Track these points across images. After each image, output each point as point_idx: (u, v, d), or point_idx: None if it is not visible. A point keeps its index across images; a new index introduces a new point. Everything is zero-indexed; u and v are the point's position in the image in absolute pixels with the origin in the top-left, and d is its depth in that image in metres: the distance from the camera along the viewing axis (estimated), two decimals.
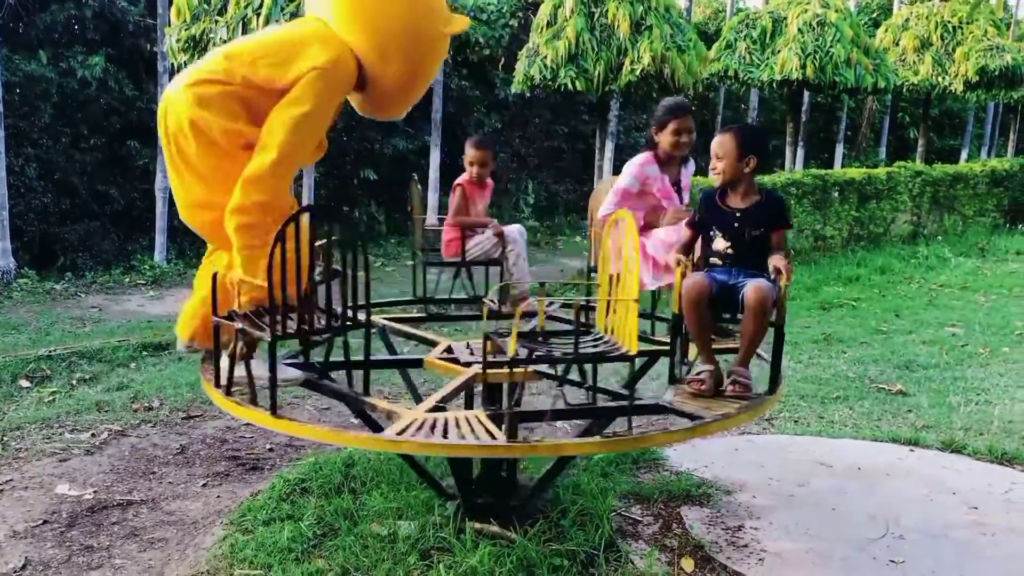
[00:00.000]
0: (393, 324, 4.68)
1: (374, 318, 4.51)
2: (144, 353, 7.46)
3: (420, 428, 3.18)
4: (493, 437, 3.11)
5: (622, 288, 3.48)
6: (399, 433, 3.13)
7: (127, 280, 10.77)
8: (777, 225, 3.82)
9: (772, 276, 3.67)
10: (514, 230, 5.07)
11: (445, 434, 3.13)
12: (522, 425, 3.22)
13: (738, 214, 3.83)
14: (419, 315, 5.05)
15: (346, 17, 3.71)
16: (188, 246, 12.10)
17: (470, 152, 5.13)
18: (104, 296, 10.00)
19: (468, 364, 3.90)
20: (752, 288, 3.54)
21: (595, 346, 3.45)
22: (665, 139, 4.50)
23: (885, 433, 5.68)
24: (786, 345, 7.66)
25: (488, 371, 3.48)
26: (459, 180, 5.21)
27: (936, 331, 8.70)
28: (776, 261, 3.66)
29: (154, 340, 7.74)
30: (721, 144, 3.84)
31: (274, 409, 3.29)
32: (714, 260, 3.87)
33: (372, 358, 3.87)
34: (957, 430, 5.75)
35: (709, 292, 3.64)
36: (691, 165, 4.76)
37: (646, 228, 4.48)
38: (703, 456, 5.15)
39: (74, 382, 6.65)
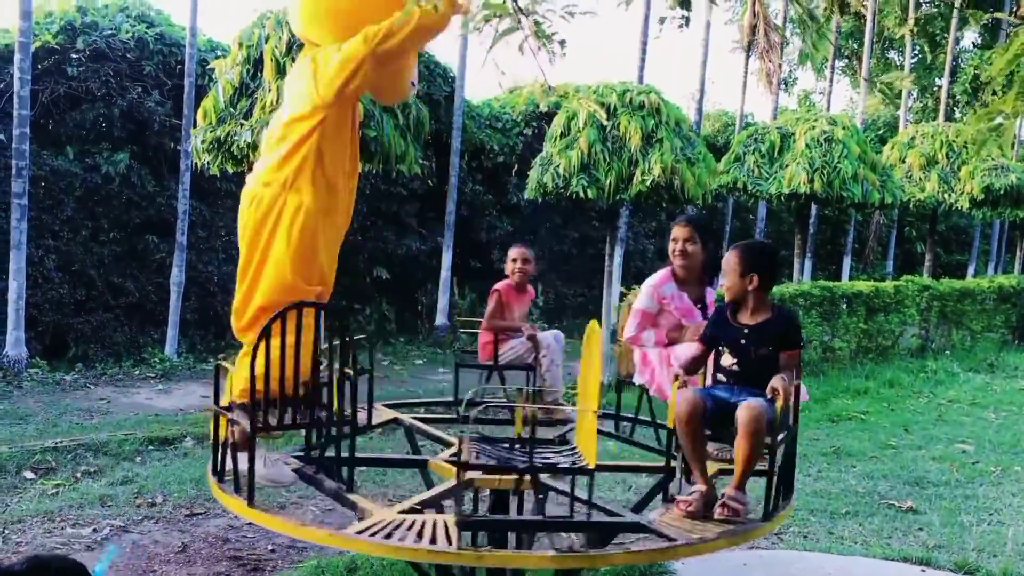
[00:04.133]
0: (418, 423, 4.69)
1: (401, 416, 4.57)
2: (150, 447, 7.45)
3: (382, 529, 3.17)
4: (450, 543, 3.08)
5: (580, 398, 3.49)
6: (359, 532, 3.14)
7: (137, 372, 10.81)
8: (786, 344, 3.79)
9: (769, 396, 3.60)
10: (549, 336, 5.09)
11: (403, 538, 3.10)
12: (539, 534, 3.21)
13: (746, 331, 3.83)
14: (448, 415, 5.09)
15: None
16: (199, 340, 12.18)
17: (512, 251, 5.26)
18: (113, 388, 10.02)
19: (469, 468, 3.88)
20: (744, 407, 3.48)
21: (560, 457, 3.42)
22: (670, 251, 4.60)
23: (896, 551, 5.59)
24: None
25: (476, 477, 3.44)
26: (496, 286, 5.31)
27: (946, 447, 8.62)
28: (775, 381, 3.58)
29: (161, 434, 7.73)
30: (726, 261, 3.92)
31: (251, 499, 3.33)
32: (720, 377, 3.88)
33: (378, 456, 3.90)
34: (970, 551, 5.65)
35: (703, 409, 3.57)
36: (718, 282, 4.67)
37: (669, 345, 4.52)
38: (711, 570, 5.07)
39: (78, 475, 6.62)
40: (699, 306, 4.54)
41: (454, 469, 3.90)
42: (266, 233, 3.88)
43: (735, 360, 3.82)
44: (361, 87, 3.97)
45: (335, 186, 4.03)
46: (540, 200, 13.15)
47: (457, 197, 14.44)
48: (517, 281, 5.24)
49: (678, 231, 4.66)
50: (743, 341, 3.82)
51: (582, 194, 11.47)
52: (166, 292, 11.67)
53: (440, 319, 14.43)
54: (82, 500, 6.01)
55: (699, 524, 3.46)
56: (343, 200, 4.13)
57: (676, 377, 3.74)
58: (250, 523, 5.24)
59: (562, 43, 2.91)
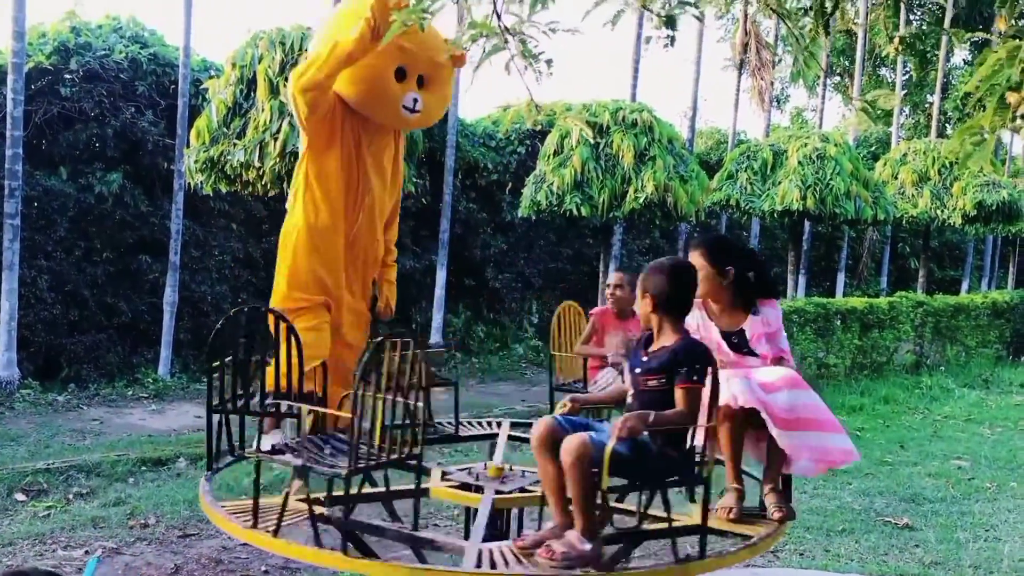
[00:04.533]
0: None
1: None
2: (143, 468, 7.41)
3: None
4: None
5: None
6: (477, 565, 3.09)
7: (130, 393, 10.76)
8: (679, 377, 3.26)
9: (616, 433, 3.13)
10: None
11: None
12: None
13: (643, 359, 3.41)
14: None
15: None
16: (192, 360, 12.13)
17: (610, 276, 5.21)
18: (106, 409, 9.98)
19: (479, 489, 3.88)
20: (565, 441, 3.08)
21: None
22: None
23: (892, 568, 5.57)
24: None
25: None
26: (593, 310, 5.25)
27: (942, 463, 8.61)
28: (621, 419, 3.16)
29: (154, 455, 7.70)
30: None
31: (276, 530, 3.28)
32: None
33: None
34: (967, 567, 5.64)
35: (550, 433, 3.19)
36: (764, 311, 3.90)
37: None
38: None
39: (70, 496, 6.58)
40: (734, 339, 3.87)
41: (458, 493, 3.91)
42: (280, 252, 4.53)
43: (632, 392, 3.44)
44: (321, 116, 4.34)
45: (336, 207, 4.44)
46: (534, 217, 13.20)
47: (451, 215, 14.46)
48: (613, 307, 5.04)
49: (612, 276, 4.74)
50: (637, 370, 3.41)
51: (576, 211, 11.50)
52: (159, 312, 11.64)
53: (435, 337, 14.41)
54: (74, 522, 5.97)
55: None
56: (356, 218, 4.54)
57: (563, 404, 3.42)
58: (244, 544, 5.21)
59: (549, 62, 2.92)
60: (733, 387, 3.52)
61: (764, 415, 3.50)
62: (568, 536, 3.07)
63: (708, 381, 3.30)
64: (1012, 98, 2.47)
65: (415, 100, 4.47)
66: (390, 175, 4.71)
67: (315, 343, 4.26)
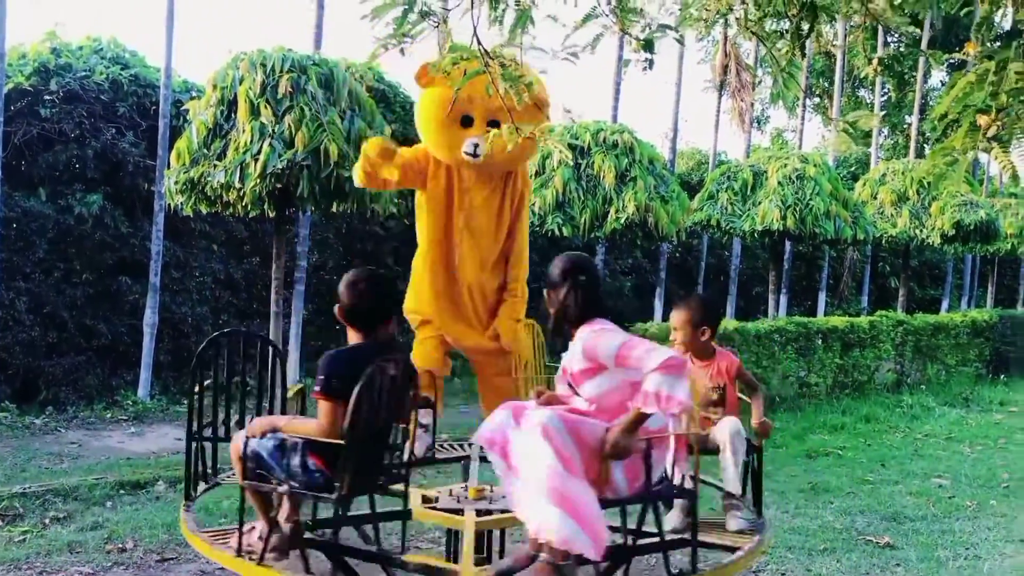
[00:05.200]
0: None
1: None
2: (121, 492, 7.33)
3: None
4: None
5: None
6: None
7: (109, 415, 10.66)
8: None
9: None
10: (724, 427, 4.03)
11: None
12: None
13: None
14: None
15: None
16: (172, 382, 12.05)
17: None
18: (85, 431, 9.88)
19: (460, 511, 3.86)
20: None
21: None
22: None
23: None
24: (772, 494, 7.61)
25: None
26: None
27: (923, 482, 8.64)
28: None
29: (132, 478, 7.61)
30: None
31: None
32: None
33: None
34: None
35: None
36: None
37: None
38: None
39: (47, 521, 6.50)
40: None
41: (442, 515, 3.90)
42: None
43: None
44: (400, 183, 5.05)
45: (438, 241, 5.03)
46: None
47: None
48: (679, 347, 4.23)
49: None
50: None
51: (557, 232, 11.54)
52: (139, 334, 11.56)
53: None
54: (50, 547, 5.89)
55: None
56: (452, 253, 5.03)
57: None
58: (222, 568, 5.16)
59: (528, 85, 2.94)
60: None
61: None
62: None
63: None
64: (983, 120, 2.50)
65: (475, 145, 4.74)
66: (499, 214, 5.03)
67: (418, 355, 4.85)
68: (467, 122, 4.82)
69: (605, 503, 3.22)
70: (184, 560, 5.74)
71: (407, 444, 3.64)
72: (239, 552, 3.47)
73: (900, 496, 8.04)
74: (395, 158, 4.87)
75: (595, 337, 3.39)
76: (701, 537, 3.65)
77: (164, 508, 6.84)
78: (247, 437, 3.47)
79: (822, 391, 13.09)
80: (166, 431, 9.99)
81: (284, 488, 3.37)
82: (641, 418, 3.22)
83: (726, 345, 10.70)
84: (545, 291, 3.71)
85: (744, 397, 4.34)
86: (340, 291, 3.59)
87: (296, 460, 3.37)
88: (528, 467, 3.18)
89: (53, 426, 10.01)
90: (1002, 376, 16.70)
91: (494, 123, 4.71)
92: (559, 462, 3.11)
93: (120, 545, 5.99)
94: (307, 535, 3.52)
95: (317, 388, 3.35)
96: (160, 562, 5.74)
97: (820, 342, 13.15)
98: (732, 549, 3.64)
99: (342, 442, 3.26)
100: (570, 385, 3.49)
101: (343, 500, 3.38)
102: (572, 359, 3.48)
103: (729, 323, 12.23)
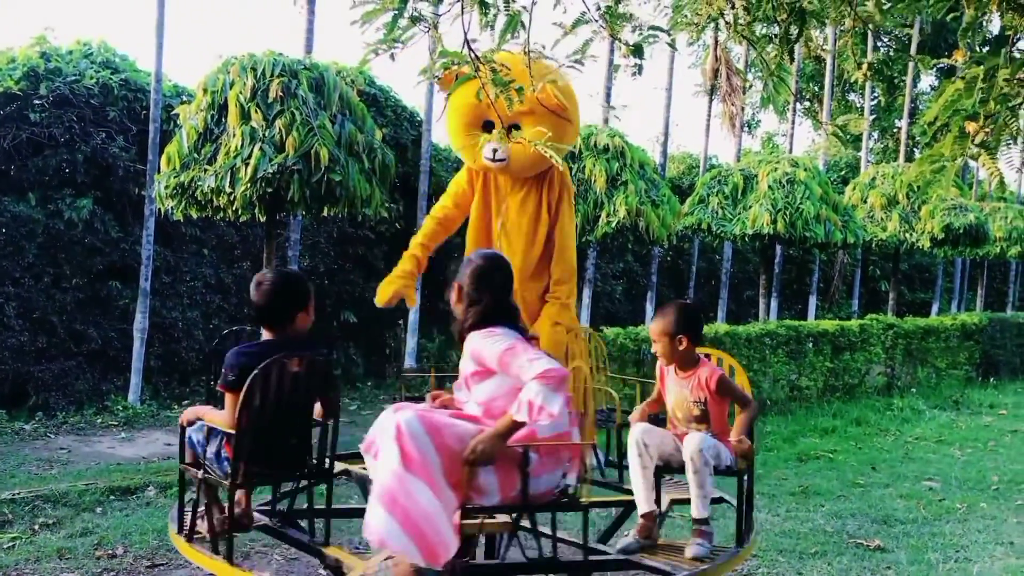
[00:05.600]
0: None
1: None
2: (111, 497, 7.29)
3: None
4: None
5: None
6: None
7: (99, 421, 10.62)
8: None
9: None
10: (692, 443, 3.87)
11: None
12: None
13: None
14: None
15: None
16: (163, 387, 12.01)
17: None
18: (75, 437, 9.84)
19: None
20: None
21: None
22: None
23: None
24: (763, 498, 7.63)
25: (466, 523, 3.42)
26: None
27: (913, 485, 8.67)
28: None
29: (122, 484, 7.58)
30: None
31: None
32: None
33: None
34: None
35: None
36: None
37: None
38: None
39: (36, 527, 6.47)
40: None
41: None
42: None
43: None
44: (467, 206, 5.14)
45: (475, 240, 5.08)
46: None
47: None
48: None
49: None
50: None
51: None
52: (129, 339, 11.52)
53: (408, 362, 14.36)
54: (39, 553, 5.86)
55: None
56: (503, 232, 5.04)
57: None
58: (211, 574, 5.14)
59: (519, 90, 2.94)
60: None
61: None
62: None
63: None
64: (971, 127, 2.52)
65: (494, 150, 4.79)
66: (535, 217, 4.98)
67: None
68: (489, 127, 4.87)
69: (472, 509, 3.20)
70: (175, 566, 5.72)
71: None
72: (189, 537, 3.68)
73: (891, 499, 8.06)
74: (441, 211, 5.12)
75: (483, 340, 3.37)
76: (648, 560, 3.58)
77: (154, 514, 6.82)
78: (181, 424, 3.73)
79: (813, 394, 13.12)
80: (156, 436, 9.96)
81: (200, 473, 3.58)
82: (513, 426, 3.19)
83: (718, 349, 10.73)
84: (452, 287, 3.61)
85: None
86: (250, 291, 3.73)
87: (213, 448, 3.58)
88: (376, 468, 3.23)
89: (43, 432, 9.97)
90: (991, 379, 16.77)
91: (515, 126, 4.73)
92: (402, 465, 3.10)
93: (110, 551, 5.97)
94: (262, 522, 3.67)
95: (220, 381, 3.53)
96: (150, 568, 5.72)
97: (811, 345, 13.19)
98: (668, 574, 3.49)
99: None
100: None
101: (234, 488, 3.49)
102: (465, 362, 3.48)
103: (720, 327, 12.26)
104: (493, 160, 4.82)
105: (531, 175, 5.00)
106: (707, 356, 4.22)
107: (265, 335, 3.77)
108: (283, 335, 3.72)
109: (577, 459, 3.41)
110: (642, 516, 3.81)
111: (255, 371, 3.37)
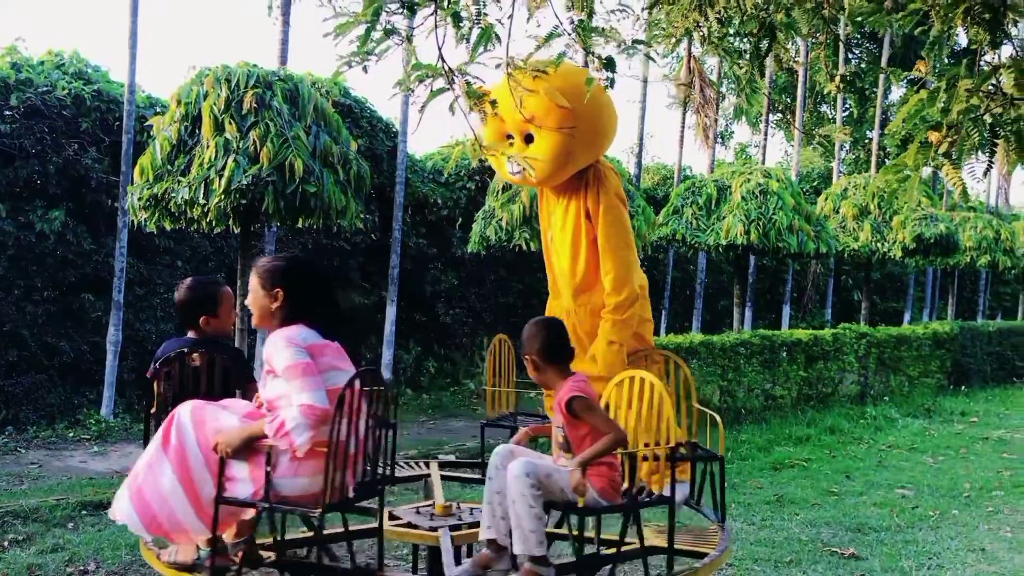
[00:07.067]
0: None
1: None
2: (83, 512, 7.21)
3: None
4: None
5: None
6: None
7: (71, 435, 10.50)
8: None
9: None
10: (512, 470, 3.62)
11: None
12: None
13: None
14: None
15: None
16: (136, 400, 11.90)
17: None
18: (46, 451, 9.72)
19: (433, 529, 3.87)
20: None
21: None
22: None
23: None
24: (739, 507, 7.66)
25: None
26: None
27: (887, 493, 8.74)
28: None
29: (95, 498, 7.50)
30: None
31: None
32: None
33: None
34: None
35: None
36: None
37: None
38: None
39: (6, 544, 6.38)
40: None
41: (414, 532, 3.90)
42: None
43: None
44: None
45: (548, 267, 5.13)
46: (484, 253, 13.22)
47: (401, 251, 14.44)
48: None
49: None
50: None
51: (525, 247, 11.57)
52: (102, 352, 11.41)
53: (385, 374, 14.32)
54: (8, 570, 5.79)
55: None
56: (552, 247, 5.06)
57: None
58: None
59: (493, 103, 2.96)
60: None
61: None
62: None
63: None
64: (934, 137, 2.56)
65: (512, 164, 4.76)
66: (576, 226, 4.79)
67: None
68: (511, 141, 4.80)
69: (226, 500, 3.32)
70: None
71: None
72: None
73: (864, 507, 8.13)
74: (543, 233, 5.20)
75: (275, 345, 3.40)
76: None
77: (127, 529, 6.73)
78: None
79: (787, 403, 13.21)
80: (130, 450, 9.86)
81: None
82: (261, 432, 3.30)
83: (691, 360, 10.79)
84: (255, 283, 3.56)
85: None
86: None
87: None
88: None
89: (12, 446, 9.84)
90: (963, 387, 16.96)
91: (529, 138, 4.65)
92: (160, 448, 3.38)
93: (82, 567, 5.90)
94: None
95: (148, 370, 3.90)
96: None
97: (785, 355, 13.28)
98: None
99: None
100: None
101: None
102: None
103: (695, 336, 12.32)
104: (512, 174, 4.81)
105: (561, 182, 4.76)
106: (649, 362, 4.27)
107: (190, 334, 4.06)
108: (203, 334, 4.03)
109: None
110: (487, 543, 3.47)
111: (158, 359, 3.82)
